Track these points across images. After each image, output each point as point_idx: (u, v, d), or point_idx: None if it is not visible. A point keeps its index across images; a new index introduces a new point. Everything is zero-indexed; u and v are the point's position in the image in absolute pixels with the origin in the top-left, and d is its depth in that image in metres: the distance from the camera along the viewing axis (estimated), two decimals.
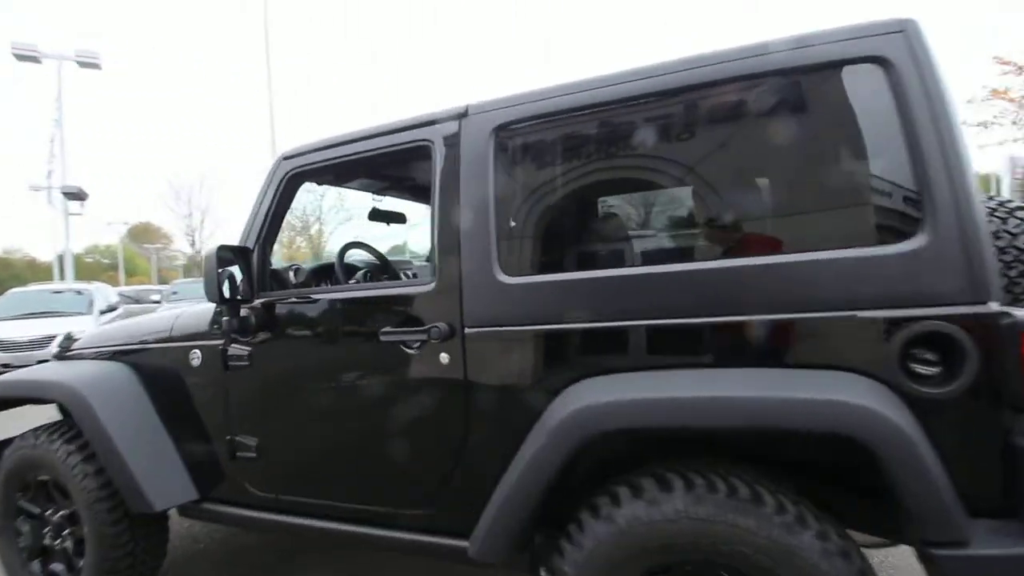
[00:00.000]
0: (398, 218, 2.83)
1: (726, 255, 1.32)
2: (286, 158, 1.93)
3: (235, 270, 1.88)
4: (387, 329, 1.66)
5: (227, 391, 1.96)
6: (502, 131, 1.58)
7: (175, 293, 13.50)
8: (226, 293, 1.80)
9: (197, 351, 2.03)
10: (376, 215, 2.67)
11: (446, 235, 1.62)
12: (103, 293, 10.03)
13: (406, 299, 1.68)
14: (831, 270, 1.24)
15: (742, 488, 1.23)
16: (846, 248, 1.25)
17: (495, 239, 1.55)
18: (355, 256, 2.52)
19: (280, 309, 1.89)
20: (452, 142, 1.64)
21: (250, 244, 1.93)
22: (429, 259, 3.34)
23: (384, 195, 2.61)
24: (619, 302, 1.39)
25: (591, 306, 1.42)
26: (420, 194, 2.80)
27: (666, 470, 1.32)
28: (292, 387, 1.86)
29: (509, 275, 1.53)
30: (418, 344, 1.62)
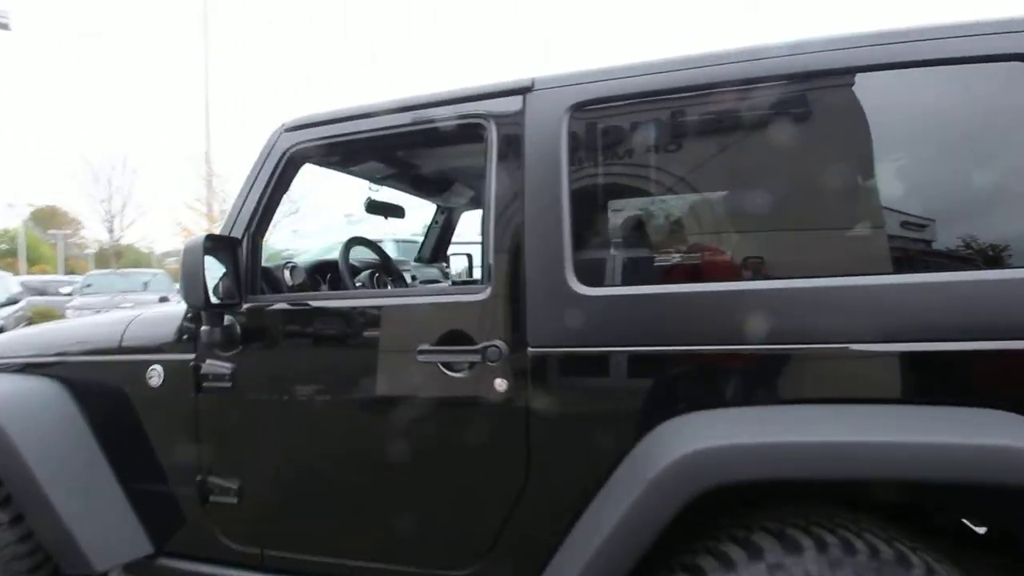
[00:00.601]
0: (396, 211, 2.48)
1: (879, 270, 1.12)
2: (289, 130, 1.56)
3: (210, 267, 1.49)
4: (426, 347, 1.34)
5: (199, 418, 1.56)
6: (579, 111, 1.30)
7: (88, 286, 12.10)
8: (211, 296, 1.40)
9: (158, 367, 1.60)
10: (374, 207, 2.32)
11: (504, 233, 1.32)
12: (3, 283, 8.79)
13: (450, 310, 1.37)
14: (991, 292, 1.06)
15: (883, 548, 1.02)
16: (1003, 268, 1.08)
17: (569, 240, 1.27)
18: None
19: (276, 318, 1.51)
20: (513, 121, 1.35)
21: (237, 234, 1.54)
22: (431, 260, 3.02)
23: (386, 184, 2.26)
24: (734, 321, 1.15)
25: (694, 326, 1.17)
26: (445, 184, 2.47)
27: (782, 525, 1.09)
28: (291, 416, 1.49)
29: (586, 284, 1.25)
30: (467, 366, 1.31)
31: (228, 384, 1.51)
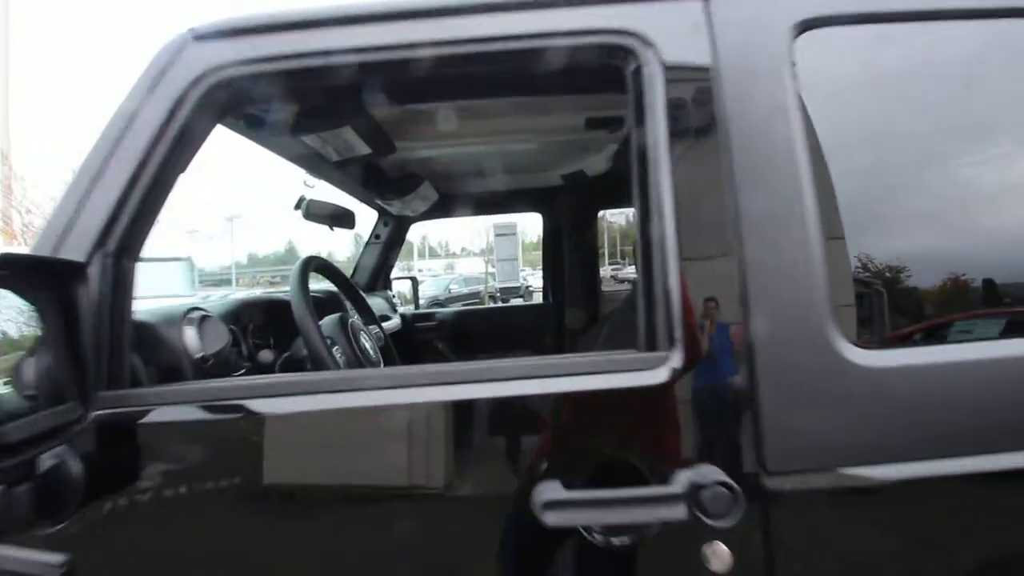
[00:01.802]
0: (345, 220, 1.65)
1: None
2: (201, 38, 0.75)
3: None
4: (556, 497, 0.63)
5: None
6: (814, 27, 0.72)
7: None
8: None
9: None
10: (312, 212, 1.48)
11: (695, 254, 0.68)
12: None
13: (599, 407, 0.67)
14: None
15: None
16: None
17: (823, 266, 0.66)
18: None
19: (175, 443, 0.69)
20: (688, 47, 0.72)
21: (78, 254, 0.69)
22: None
23: (321, 177, 1.43)
24: None
25: None
26: (415, 181, 1.68)
27: None
28: None
29: (870, 346, 0.66)
30: (652, 531, 0.63)
31: None
